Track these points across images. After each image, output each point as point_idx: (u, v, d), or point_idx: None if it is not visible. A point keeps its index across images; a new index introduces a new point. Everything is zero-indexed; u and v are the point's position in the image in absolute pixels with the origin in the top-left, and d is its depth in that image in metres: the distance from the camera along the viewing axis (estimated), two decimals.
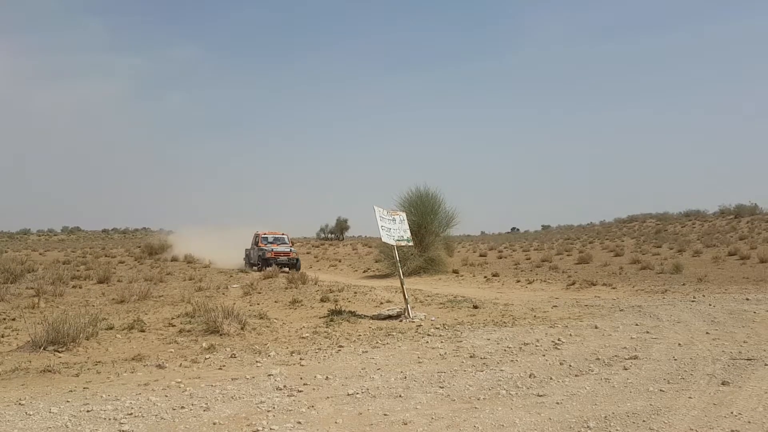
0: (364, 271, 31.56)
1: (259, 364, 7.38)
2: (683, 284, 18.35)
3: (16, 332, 9.24)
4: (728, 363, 7.10)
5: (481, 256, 38.69)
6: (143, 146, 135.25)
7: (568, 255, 34.89)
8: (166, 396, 5.87)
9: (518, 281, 21.81)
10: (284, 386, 6.19)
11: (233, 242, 33.22)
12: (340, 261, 40.13)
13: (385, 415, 5.20)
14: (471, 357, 7.65)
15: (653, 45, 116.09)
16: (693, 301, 13.75)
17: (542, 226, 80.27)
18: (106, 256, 36.67)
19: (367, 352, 8.12)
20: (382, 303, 13.03)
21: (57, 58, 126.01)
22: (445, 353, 7.92)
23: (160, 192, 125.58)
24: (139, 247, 41.64)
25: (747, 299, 14.02)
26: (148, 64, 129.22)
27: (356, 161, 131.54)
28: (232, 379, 6.57)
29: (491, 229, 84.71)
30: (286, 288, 15.10)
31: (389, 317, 11.10)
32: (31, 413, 5.26)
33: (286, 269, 24.47)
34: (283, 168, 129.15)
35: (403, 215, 13.20)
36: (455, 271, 26.46)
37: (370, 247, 47.49)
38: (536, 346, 8.37)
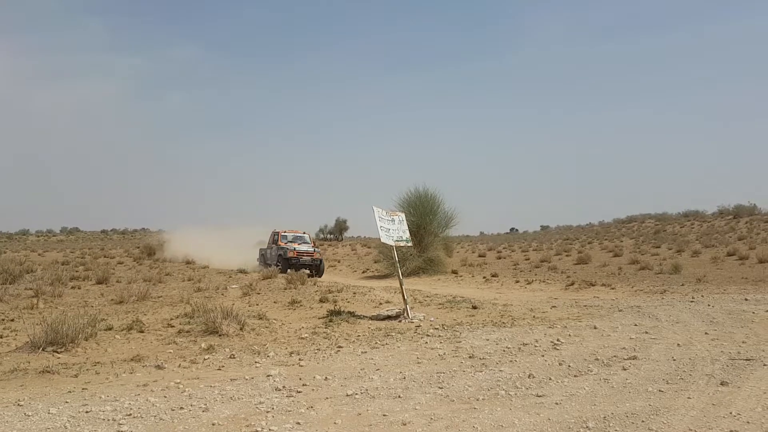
0: (363, 272, 31.58)
1: (258, 365, 7.38)
2: (682, 284, 18.37)
3: (14, 333, 9.23)
4: (727, 363, 7.11)
5: (480, 256, 38.70)
6: (143, 146, 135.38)
7: (567, 255, 34.90)
8: (165, 397, 5.87)
9: (517, 281, 21.82)
10: (283, 387, 6.19)
11: (233, 242, 32.75)
12: (339, 261, 40.15)
13: (384, 415, 5.20)
14: (470, 357, 7.65)
15: (653, 45, 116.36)
16: (692, 302, 13.76)
17: (541, 226, 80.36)
18: (105, 256, 36.66)
19: (366, 352, 8.12)
20: (381, 303, 13.03)
21: (57, 58, 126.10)
22: (444, 354, 7.92)
23: (159, 192, 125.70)
24: (138, 247, 41.63)
25: (746, 299, 14.03)
26: (147, 64, 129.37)
27: (355, 161, 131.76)
28: (231, 380, 6.57)
29: (490, 230, 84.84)
30: (285, 288, 15.10)
31: (388, 318, 11.11)
32: (30, 414, 5.26)
33: (308, 271, 22.91)
34: (282, 168, 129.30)
35: (402, 216, 13.20)
36: (454, 272, 26.47)
37: (369, 247, 47.53)
38: (535, 346, 8.37)
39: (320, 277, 24.29)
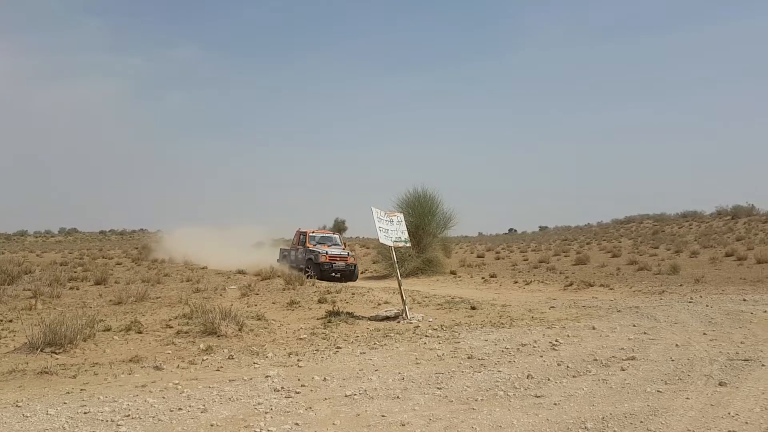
0: (362, 272, 31.58)
1: (256, 366, 7.38)
2: (680, 285, 18.38)
3: (13, 334, 9.22)
4: (725, 364, 7.12)
5: (478, 257, 38.71)
6: (142, 147, 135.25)
7: (565, 256, 34.92)
8: (164, 397, 5.86)
9: (516, 282, 21.83)
10: (282, 387, 6.18)
11: (232, 242, 32.37)
12: None
13: (382, 416, 5.20)
14: (469, 358, 7.65)
15: (652, 45, 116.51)
16: (690, 302, 13.78)
17: (540, 227, 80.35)
18: (103, 257, 36.61)
19: (365, 353, 8.12)
20: (379, 304, 13.03)
21: (57, 58, 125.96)
22: (443, 354, 7.92)
23: (158, 193, 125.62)
24: (137, 248, 41.60)
25: (744, 300, 14.05)
26: (147, 64, 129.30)
27: (355, 161, 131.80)
28: (230, 381, 6.56)
29: (489, 230, 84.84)
30: (284, 289, 15.09)
31: (387, 318, 11.11)
32: (28, 415, 5.25)
33: (338, 276, 21.65)
34: (281, 168, 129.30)
35: (401, 216, 13.21)
36: (453, 272, 26.48)
37: (368, 248, 47.48)
38: (534, 347, 8.37)
39: (355, 280, 22.26)
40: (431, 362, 7.48)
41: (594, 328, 9.94)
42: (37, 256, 41.18)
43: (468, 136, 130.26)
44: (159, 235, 40.57)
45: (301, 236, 24.19)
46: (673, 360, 7.39)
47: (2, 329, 9.62)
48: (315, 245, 23.14)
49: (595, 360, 7.44)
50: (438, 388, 6.13)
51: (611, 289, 18.32)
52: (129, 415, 5.26)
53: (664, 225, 50.20)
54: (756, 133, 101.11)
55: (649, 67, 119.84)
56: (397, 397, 5.79)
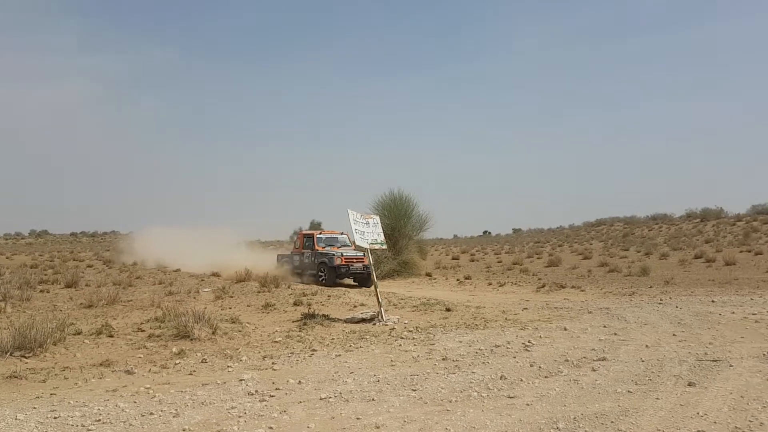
0: None
1: (230, 369, 7.33)
2: (650, 287, 18.74)
3: None
4: (694, 364, 7.27)
5: (453, 259, 38.96)
6: (114, 149, 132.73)
7: (538, 258, 35.35)
8: (135, 402, 5.80)
9: (490, 284, 22.01)
10: (256, 391, 6.16)
11: (207, 244, 31.67)
12: None
13: (357, 418, 5.21)
14: (443, 359, 7.71)
15: (621, 49, 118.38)
16: (660, 303, 14.04)
17: (513, 229, 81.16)
18: (74, 260, 35.96)
19: (340, 355, 8.13)
20: (355, 306, 13.04)
21: (27, 59, 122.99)
22: (418, 356, 7.96)
23: (131, 195, 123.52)
24: (108, 250, 40.90)
25: (713, 301, 14.37)
26: (120, 66, 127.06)
27: (330, 164, 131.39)
28: (203, 385, 6.51)
29: (464, 233, 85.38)
30: (259, 292, 15.01)
31: (363, 320, 11.12)
32: None
33: (351, 279, 20.34)
34: (256, 170, 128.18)
35: (377, 219, 13.25)
36: (428, 274, 26.60)
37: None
38: (507, 348, 8.47)
39: (370, 285, 20.73)
40: (406, 364, 7.51)
41: (566, 329, 10.08)
42: (7, 258, 40.27)
43: (442, 140, 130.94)
44: (131, 237, 39.78)
45: (306, 239, 22.28)
46: (643, 361, 7.53)
47: None
48: (325, 248, 21.36)
49: (567, 361, 7.55)
50: (413, 390, 6.16)
51: (582, 290, 18.59)
52: (100, 420, 5.19)
53: (634, 227, 51.16)
54: (724, 136, 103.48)
55: (618, 71, 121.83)
56: (372, 399, 5.81)
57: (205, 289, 16.24)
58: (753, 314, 11.63)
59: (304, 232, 23.26)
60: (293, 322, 10.94)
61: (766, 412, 5.24)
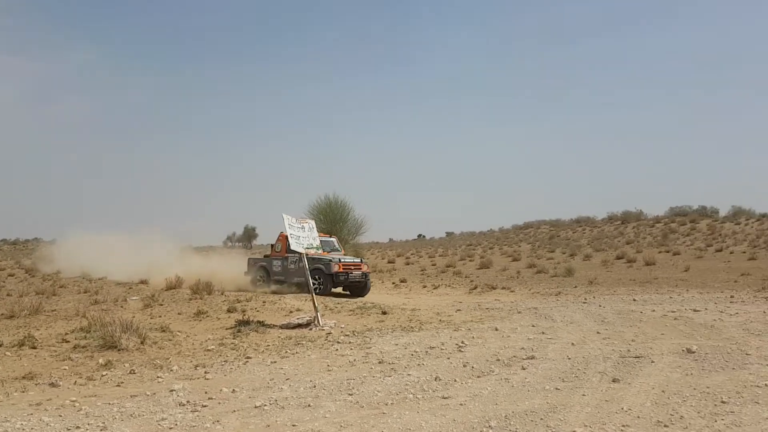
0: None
1: (160, 380, 7.11)
2: (575, 286, 19.54)
3: None
4: (618, 361, 7.63)
5: (389, 262, 39.24)
6: (35, 152, 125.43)
7: (470, 260, 36.13)
8: (60, 416, 5.53)
9: (425, 286, 22.32)
10: (188, 401, 6.00)
11: (137, 250, 30.10)
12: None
13: (293, 425, 5.18)
14: (379, 363, 7.76)
15: (556, 56, 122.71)
16: (584, 303, 14.67)
17: (446, 232, 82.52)
18: None
19: (275, 362, 8.04)
20: (291, 312, 12.92)
21: None
22: (355, 360, 7.99)
23: (54, 200, 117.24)
24: (31, 258, 38.71)
25: (634, 300, 15.14)
26: (40, 67, 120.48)
27: (264, 168, 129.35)
28: (132, 396, 6.29)
29: (399, 236, 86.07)
30: (190, 299, 14.61)
31: (299, 326, 11.04)
32: None
33: (349, 289, 18.57)
34: (187, 173, 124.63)
35: (313, 223, 13.22)
36: None
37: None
38: (441, 349, 8.62)
39: (366, 293, 18.69)
40: (343, 368, 7.52)
41: (497, 330, 10.36)
42: None
43: (377, 145, 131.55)
44: (54, 244, 37.67)
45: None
46: (569, 358, 7.84)
47: None
48: (316, 252, 19.44)
49: (498, 360, 7.77)
50: (349, 394, 6.18)
51: (512, 291, 19.18)
52: None
53: (559, 230, 53.07)
54: (645, 141, 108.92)
55: (553, 76, 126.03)
56: (309, 406, 5.78)
57: (133, 298, 15.67)
58: (672, 312, 12.33)
59: (285, 233, 21.18)
60: (227, 329, 10.73)
61: (686, 405, 5.56)
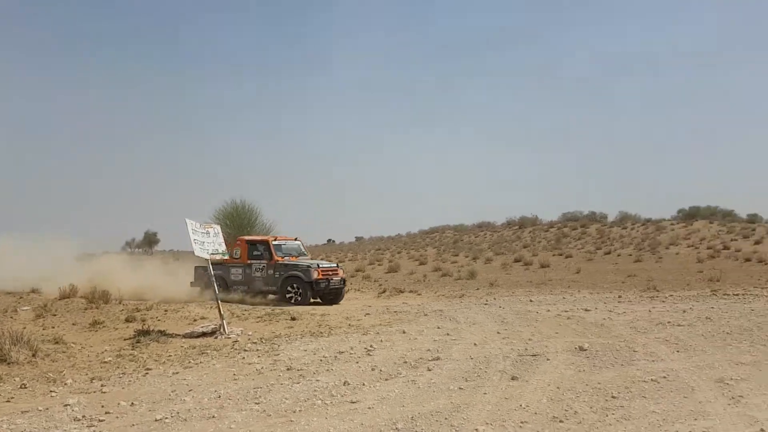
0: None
1: (54, 394, 6.71)
2: (477, 289, 20.33)
3: None
4: (516, 359, 8.03)
5: None
6: None
7: (379, 265, 36.54)
8: None
9: None
10: (83, 416, 5.72)
11: (33, 257, 27.27)
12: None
13: None
14: (288, 369, 7.73)
15: (451, 68, 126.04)
16: (486, 304, 15.29)
17: (356, 237, 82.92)
18: None
19: (178, 373, 7.79)
20: (195, 320, 12.54)
21: None
22: (262, 368, 7.90)
23: None
24: None
25: (531, 301, 15.96)
26: None
27: (166, 172, 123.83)
28: (23, 412, 5.90)
29: (309, 241, 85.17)
30: (86, 309, 13.80)
31: (203, 334, 10.74)
32: None
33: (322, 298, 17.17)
34: (82, 177, 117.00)
35: (218, 228, 12.89)
36: None
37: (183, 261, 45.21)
38: (350, 353, 8.71)
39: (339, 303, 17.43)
40: (250, 377, 7.42)
41: (404, 332, 10.59)
42: None
43: (283, 150, 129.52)
44: None
45: (254, 247, 17.87)
46: (472, 358, 8.17)
47: None
48: (284, 257, 17.68)
49: (405, 362, 7.96)
50: (256, 403, 6.12)
51: (419, 294, 19.64)
52: None
53: (462, 234, 54.72)
54: (538, 150, 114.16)
55: (451, 85, 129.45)
56: (213, 417, 5.67)
57: (24, 308, 14.57)
58: (565, 311, 13.11)
59: (247, 239, 18.79)
60: (125, 339, 10.26)
61: (579, 401, 5.95)
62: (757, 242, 30.85)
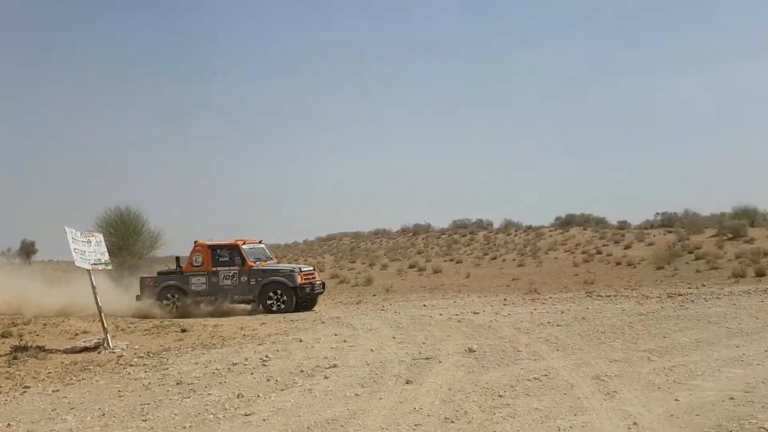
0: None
1: None
2: (374, 295, 20.65)
3: None
4: (411, 363, 8.24)
5: None
6: None
7: None
8: None
9: None
10: None
11: None
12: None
13: None
14: (178, 384, 7.47)
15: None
16: (382, 310, 15.56)
17: None
18: None
19: (58, 390, 7.31)
20: (77, 334, 11.77)
21: None
22: (150, 383, 7.58)
23: None
24: None
25: (424, 305, 16.42)
26: None
27: (42, 177, 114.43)
28: None
29: None
30: None
31: (86, 349, 10.12)
32: None
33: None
34: None
35: (100, 237, 12.21)
36: None
37: (64, 272, 42.07)
38: (245, 365, 8.56)
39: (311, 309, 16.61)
40: (136, 393, 7.11)
41: (301, 341, 10.56)
42: None
43: (177, 156, 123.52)
44: None
45: (220, 252, 16.35)
46: (368, 364, 8.29)
47: None
48: (256, 262, 16.39)
49: (302, 371, 7.95)
50: (143, 420, 5.88)
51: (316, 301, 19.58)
52: None
53: (359, 241, 55.13)
54: (429, 160, 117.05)
55: (343, 91, 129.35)
56: None
57: None
58: (456, 315, 13.62)
59: (209, 243, 16.76)
60: (0, 356, 9.48)
61: (469, 401, 6.21)
62: (626, 247, 33.46)
